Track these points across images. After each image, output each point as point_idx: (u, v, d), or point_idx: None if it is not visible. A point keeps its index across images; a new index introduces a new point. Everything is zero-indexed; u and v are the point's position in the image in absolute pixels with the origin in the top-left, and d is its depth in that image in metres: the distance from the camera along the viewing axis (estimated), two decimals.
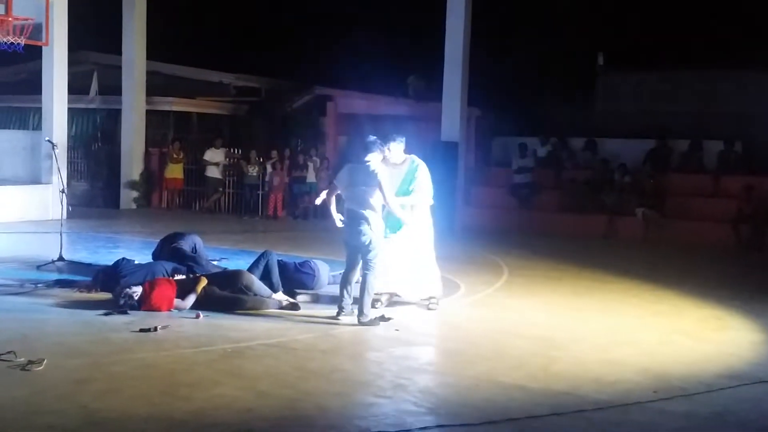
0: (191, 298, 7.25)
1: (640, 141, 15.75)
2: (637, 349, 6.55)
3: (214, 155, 16.86)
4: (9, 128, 19.13)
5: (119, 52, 17.31)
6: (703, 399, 5.31)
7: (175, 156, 17.18)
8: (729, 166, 14.95)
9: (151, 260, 8.49)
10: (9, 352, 5.52)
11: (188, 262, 8.23)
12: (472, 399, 5.17)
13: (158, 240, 9.05)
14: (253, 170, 16.32)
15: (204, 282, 7.37)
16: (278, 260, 7.96)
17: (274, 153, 16.32)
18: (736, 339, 7.11)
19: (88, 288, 7.93)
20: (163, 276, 7.66)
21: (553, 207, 15.32)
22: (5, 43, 11.73)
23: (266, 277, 7.72)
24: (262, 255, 7.95)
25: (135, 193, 17.21)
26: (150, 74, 17.76)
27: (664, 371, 5.89)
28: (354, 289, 7.06)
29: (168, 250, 8.48)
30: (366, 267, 6.97)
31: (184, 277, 7.72)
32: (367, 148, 7.09)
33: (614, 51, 18.89)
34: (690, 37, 18.12)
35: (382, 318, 7.07)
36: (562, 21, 19.52)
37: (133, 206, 17.11)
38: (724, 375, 5.86)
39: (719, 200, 14.20)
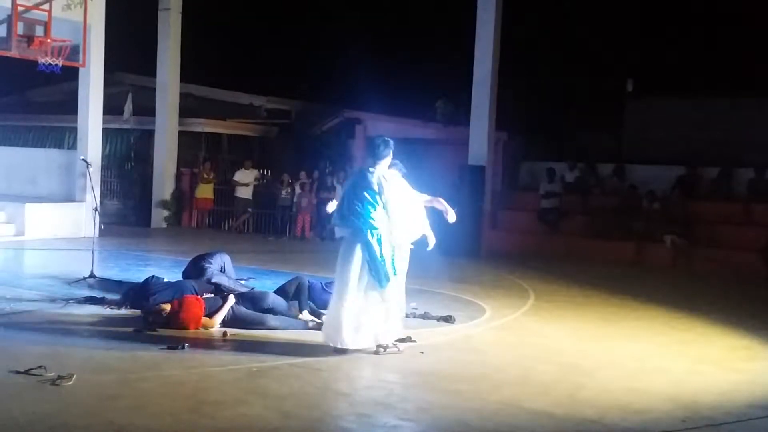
0: (219, 317, 7.32)
1: (668, 167, 15.63)
2: (665, 378, 6.47)
3: (244, 176, 17.07)
4: (45, 147, 19.54)
5: (154, 74, 17.64)
6: (732, 429, 5.24)
7: (205, 176, 17.42)
8: (759, 194, 14.77)
9: (181, 278, 8.59)
10: (39, 367, 5.61)
11: (216, 281, 8.33)
12: (497, 424, 5.13)
13: (187, 258, 9.16)
14: (285, 192, 16.52)
15: (232, 301, 7.44)
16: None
17: (303, 174, 16.50)
18: (766, 369, 7.00)
19: (118, 305, 8.04)
20: (192, 294, 7.74)
21: (580, 232, 15.23)
22: (43, 63, 12.05)
23: (296, 298, 7.82)
24: (295, 277, 8.06)
25: (166, 212, 17.44)
26: (183, 96, 18.08)
27: (692, 400, 5.81)
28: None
29: (197, 268, 8.58)
30: None
31: (212, 295, 7.81)
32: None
33: (644, 77, 18.83)
34: (720, 64, 18.01)
35: (409, 340, 7.07)
36: (591, 47, 19.52)
37: (164, 225, 17.33)
38: (753, 405, 5.77)
39: (749, 228, 14.01)
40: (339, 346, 6.66)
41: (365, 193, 6.64)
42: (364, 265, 6.60)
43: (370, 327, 6.67)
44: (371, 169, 6.73)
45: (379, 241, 6.63)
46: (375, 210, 6.64)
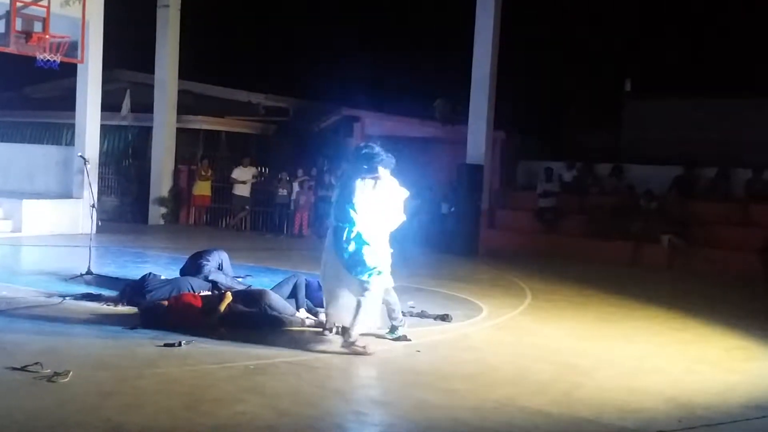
0: (216, 314, 7.30)
1: (666, 167, 15.63)
2: (661, 378, 6.48)
3: (242, 174, 17.07)
4: (43, 143, 19.52)
5: (152, 71, 17.63)
6: (728, 429, 5.24)
7: (203, 174, 17.42)
8: (757, 195, 14.78)
9: (178, 276, 8.59)
10: (36, 364, 5.59)
11: (213, 278, 8.32)
12: (494, 423, 5.14)
13: (185, 256, 9.16)
14: (283, 191, 16.54)
15: (229, 299, 7.43)
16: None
17: (301, 172, 16.52)
18: (763, 370, 7.01)
19: (115, 302, 8.03)
20: (189, 291, 7.73)
21: (578, 232, 15.24)
22: (42, 60, 12.05)
23: (293, 296, 7.81)
24: (292, 275, 8.05)
25: (163, 209, 17.44)
26: (181, 93, 18.07)
27: (688, 400, 5.82)
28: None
29: (195, 266, 8.58)
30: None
31: (209, 293, 7.80)
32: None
33: (641, 77, 18.85)
34: (720, 64, 18.03)
35: (404, 338, 7.07)
36: (590, 46, 19.54)
37: (161, 222, 17.34)
38: (749, 406, 5.77)
39: (747, 229, 14.02)
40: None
41: (345, 195, 6.81)
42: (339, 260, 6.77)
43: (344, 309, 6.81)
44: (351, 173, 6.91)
45: (349, 235, 6.72)
46: (353, 210, 6.75)
